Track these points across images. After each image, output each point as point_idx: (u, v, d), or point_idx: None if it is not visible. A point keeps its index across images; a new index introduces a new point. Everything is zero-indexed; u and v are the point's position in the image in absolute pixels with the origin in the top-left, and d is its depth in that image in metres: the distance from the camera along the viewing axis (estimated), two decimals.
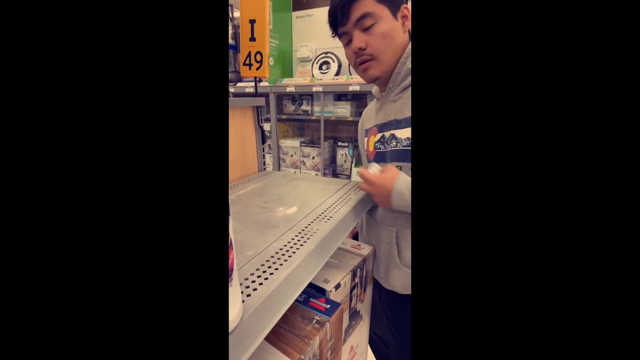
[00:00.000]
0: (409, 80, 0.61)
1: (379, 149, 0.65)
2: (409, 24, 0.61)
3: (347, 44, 0.62)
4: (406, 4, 0.60)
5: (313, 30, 2.18)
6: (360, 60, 0.61)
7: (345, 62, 2.10)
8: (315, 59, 2.15)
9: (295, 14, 2.20)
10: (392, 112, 0.63)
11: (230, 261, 0.25)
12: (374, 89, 0.72)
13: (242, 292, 0.30)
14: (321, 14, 2.12)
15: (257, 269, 0.34)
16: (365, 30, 0.58)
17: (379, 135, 0.66)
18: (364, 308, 0.67)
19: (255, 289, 0.31)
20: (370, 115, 0.73)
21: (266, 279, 0.33)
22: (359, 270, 0.62)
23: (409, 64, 0.61)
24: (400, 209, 0.58)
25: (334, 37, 0.65)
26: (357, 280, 0.61)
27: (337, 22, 0.60)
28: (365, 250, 0.65)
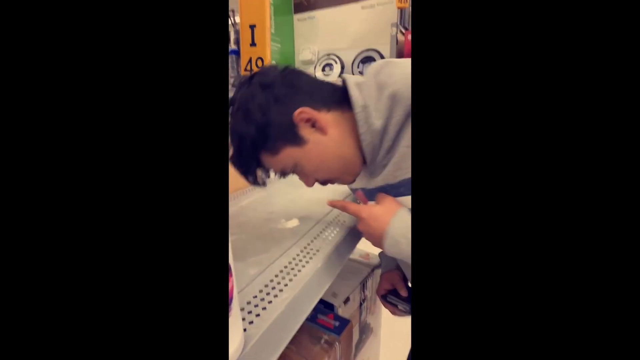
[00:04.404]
0: (391, 134, 0.40)
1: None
2: (320, 123, 0.42)
3: None
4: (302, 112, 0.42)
5: (315, 32, 2.16)
6: (328, 183, 0.48)
7: (348, 63, 2.08)
8: (318, 61, 2.13)
9: (296, 16, 2.18)
10: (381, 178, 0.45)
11: (229, 289, 0.23)
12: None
13: (244, 319, 0.28)
14: (323, 15, 2.10)
15: (261, 291, 0.32)
16: (300, 173, 0.45)
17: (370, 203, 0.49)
18: (375, 320, 0.65)
19: (258, 315, 0.29)
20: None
21: (270, 302, 0.30)
22: (368, 281, 0.59)
23: (375, 121, 0.40)
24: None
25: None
26: (367, 292, 0.58)
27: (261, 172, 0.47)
28: (374, 260, 0.63)
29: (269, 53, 0.67)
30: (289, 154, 0.42)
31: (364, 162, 0.45)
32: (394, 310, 0.53)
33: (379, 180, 0.45)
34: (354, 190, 0.54)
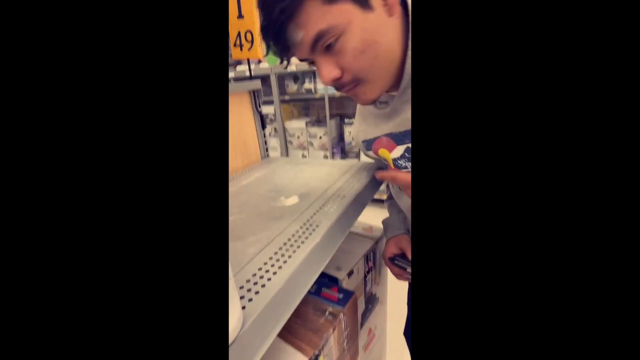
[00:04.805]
0: None
1: (406, 168, 0.47)
2: (391, 1, 0.37)
3: (315, 66, 0.41)
4: None
5: None
6: (345, 90, 0.41)
7: None
8: None
9: None
10: (401, 118, 0.45)
11: None
12: None
13: (242, 297, 0.28)
14: None
15: (260, 269, 0.32)
16: (330, 51, 0.37)
17: (400, 149, 0.46)
18: (381, 290, 0.66)
19: (257, 292, 0.29)
20: (369, 121, 0.52)
21: (269, 279, 0.30)
22: (372, 253, 0.59)
23: None
24: None
25: (286, 68, 0.43)
26: (370, 264, 0.59)
27: (285, 51, 0.38)
28: (377, 232, 0.63)
29: (258, 26, 0.64)
30: (347, 10, 0.34)
31: (397, 86, 0.42)
32: (401, 273, 0.52)
33: (400, 122, 0.43)
34: (370, 143, 0.50)
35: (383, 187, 0.63)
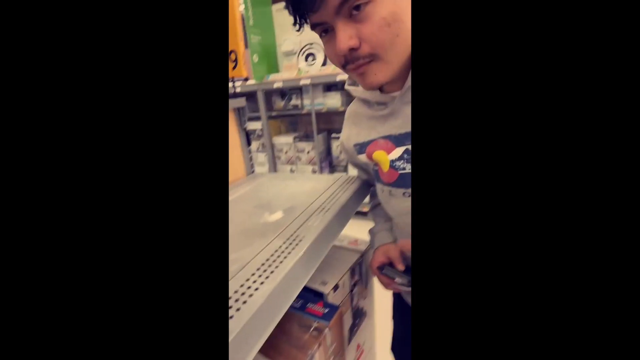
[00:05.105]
0: None
1: (404, 169, 0.45)
2: None
3: (327, 38, 0.39)
4: None
5: None
6: (356, 66, 0.38)
7: None
8: (300, 51, 2.10)
9: (275, 7, 2.14)
10: (402, 120, 0.44)
11: None
12: (362, 90, 0.47)
13: None
14: None
15: (242, 285, 0.32)
16: (355, 16, 0.35)
17: (398, 150, 0.45)
18: (369, 304, 0.66)
19: (238, 309, 0.29)
20: (362, 124, 0.50)
21: (250, 295, 0.30)
22: (358, 266, 0.60)
23: None
24: None
25: (299, 30, 0.40)
26: (356, 277, 0.59)
27: (305, 7, 0.36)
28: (363, 245, 0.63)
29: (241, 45, 0.66)
30: None
31: (399, 85, 0.42)
32: (390, 282, 0.51)
33: (400, 124, 0.43)
34: (363, 146, 0.50)
35: (367, 199, 0.64)
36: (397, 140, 0.45)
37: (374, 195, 0.63)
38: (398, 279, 0.49)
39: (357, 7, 0.34)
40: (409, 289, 0.47)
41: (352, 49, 0.36)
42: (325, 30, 0.38)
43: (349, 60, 0.38)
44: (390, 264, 0.52)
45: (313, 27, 0.39)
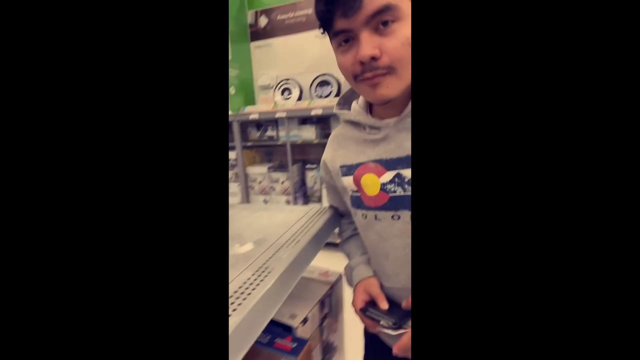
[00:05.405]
0: None
1: (394, 192, 0.47)
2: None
3: (346, 47, 0.42)
4: None
5: (272, 58, 2.23)
6: (372, 75, 0.41)
7: (305, 87, 2.16)
8: (276, 86, 2.18)
9: (253, 44, 2.25)
10: (409, 143, 0.45)
11: None
12: (356, 114, 0.50)
13: None
14: (280, 43, 2.18)
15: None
16: (380, 30, 0.39)
17: (389, 174, 0.47)
18: (338, 338, 0.65)
19: None
20: (350, 148, 0.52)
21: None
22: (327, 299, 0.59)
23: None
24: None
25: (323, 33, 0.43)
26: (326, 310, 0.58)
27: (335, 13, 0.39)
28: (333, 277, 0.64)
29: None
30: (406, 6, 0.39)
31: (397, 111, 0.45)
32: (375, 325, 0.47)
33: (407, 147, 0.45)
34: (349, 168, 0.51)
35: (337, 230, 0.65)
36: (387, 164, 0.47)
37: (344, 229, 0.63)
38: (383, 322, 0.45)
39: (385, 23, 0.38)
40: (396, 332, 0.44)
41: (373, 58, 0.39)
42: (346, 40, 0.41)
43: (366, 69, 0.41)
44: (373, 303, 0.49)
45: (335, 34, 0.42)
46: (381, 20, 0.38)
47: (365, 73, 0.41)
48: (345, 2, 0.38)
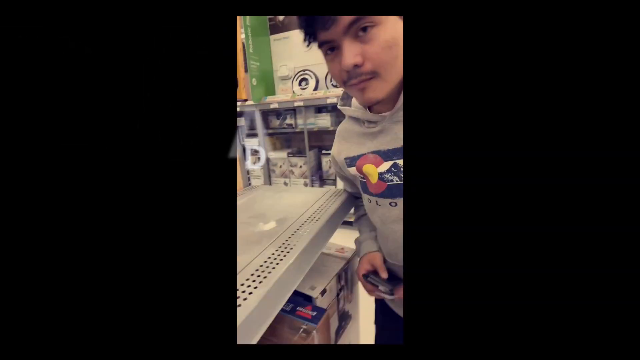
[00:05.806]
0: None
1: (392, 181, 0.46)
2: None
3: (332, 56, 0.40)
4: None
5: (290, 50, 2.18)
6: (358, 81, 0.40)
7: (322, 77, 2.10)
8: (294, 77, 2.14)
9: (273, 37, 2.20)
10: (390, 137, 0.46)
11: None
12: (355, 109, 0.50)
13: None
14: (297, 36, 2.12)
15: (237, 289, 0.32)
16: (361, 37, 0.37)
17: (386, 164, 0.47)
18: (353, 307, 0.66)
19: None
20: (352, 140, 0.52)
21: (245, 299, 0.30)
22: (344, 273, 0.60)
23: None
24: None
25: (308, 48, 0.42)
26: (342, 282, 0.59)
27: (316, 26, 0.38)
28: (349, 253, 0.64)
29: (242, 70, 0.67)
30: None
31: (390, 106, 0.44)
32: (373, 289, 0.51)
33: (401, 138, 0.43)
34: (352, 160, 0.51)
35: (352, 210, 0.64)
36: (385, 155, 0.47)
37: (358, 207, 0.63)
38: (381, 287, 0.49)
39: (364, 29, 0.36)
40: (391, 296, 0.47)
41: (356, 66, 0.38)
42: (332, 49, 0.40)
43: (352, 76, 0.39)
44: (375, 272, 0.52)
45: (320, 45, 0.40)
46: (360, 27, 0.36)
47: (351, 80, 0.40)
48: (321, 17, 0.36)
